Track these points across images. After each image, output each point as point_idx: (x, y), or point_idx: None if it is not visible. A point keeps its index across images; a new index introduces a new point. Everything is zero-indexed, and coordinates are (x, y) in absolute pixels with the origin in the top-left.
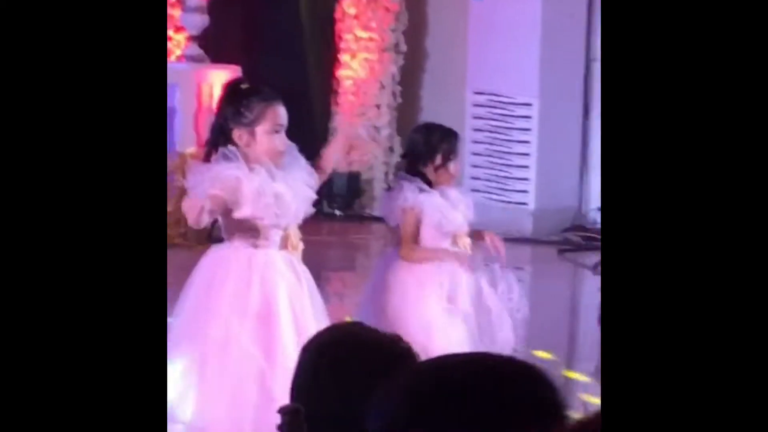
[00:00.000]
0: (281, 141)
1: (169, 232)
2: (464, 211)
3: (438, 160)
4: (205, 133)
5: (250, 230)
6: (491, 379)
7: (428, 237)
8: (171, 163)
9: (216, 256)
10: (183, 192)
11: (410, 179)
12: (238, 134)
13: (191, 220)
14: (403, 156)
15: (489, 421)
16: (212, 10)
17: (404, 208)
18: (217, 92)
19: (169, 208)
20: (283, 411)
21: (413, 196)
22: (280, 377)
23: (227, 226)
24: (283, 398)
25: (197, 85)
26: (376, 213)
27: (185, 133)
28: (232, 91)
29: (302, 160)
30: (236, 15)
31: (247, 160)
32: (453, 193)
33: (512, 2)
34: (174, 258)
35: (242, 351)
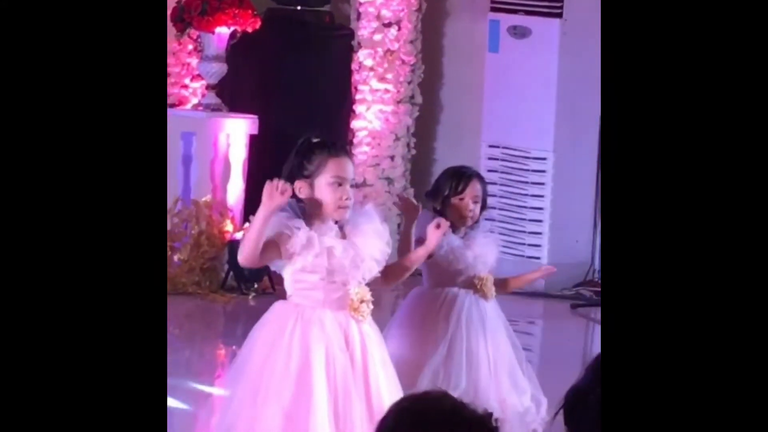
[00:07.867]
0: (343, 194)
1: (182, 279)
2: (479, 252)
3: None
4: (222, 182)
5: (304, 285)
6: None
7: (435, 273)
8: (187, 211)
9: (274, 311)
10: (197, 240)
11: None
12: (299, 186)
13: (246, 252)
14: (427, 194)
15: None
16: (230, 59)
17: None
18: (234, 141)
19: (183, 256)
20: None
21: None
22: None
23: (287, 279)
24: None
25: (214, 133)
26: None
27: (201, 182)
28: (301, 146)
29: (377, 221)
30: (253, 65)
31: (306, 215)
32: (473, 234)
33: (529, 55)
34: (186, 305)
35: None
